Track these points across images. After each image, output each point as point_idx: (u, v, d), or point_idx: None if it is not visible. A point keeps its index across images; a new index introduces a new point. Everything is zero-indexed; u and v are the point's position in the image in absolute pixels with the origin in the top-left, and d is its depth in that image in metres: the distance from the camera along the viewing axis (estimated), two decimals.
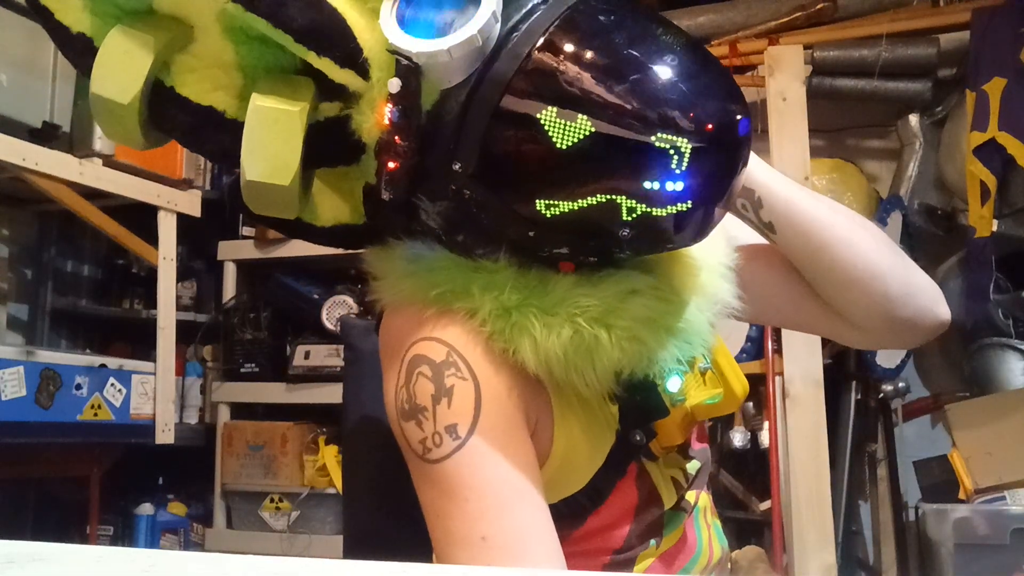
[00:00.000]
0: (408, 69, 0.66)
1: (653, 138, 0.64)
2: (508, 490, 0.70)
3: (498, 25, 0.67)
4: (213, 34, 0.71)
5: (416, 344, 0.73)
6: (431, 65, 0.66)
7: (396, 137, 0.68)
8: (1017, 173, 2.11)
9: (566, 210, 0.67)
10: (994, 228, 2.10)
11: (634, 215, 0.67)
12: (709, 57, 0.70)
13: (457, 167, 0.68)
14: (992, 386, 2.15)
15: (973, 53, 2.19)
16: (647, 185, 0.65)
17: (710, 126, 0.65)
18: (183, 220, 2.58)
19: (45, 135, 2.17)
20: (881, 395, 2.28)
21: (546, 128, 0.65)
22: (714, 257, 0.82)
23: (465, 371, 0.71)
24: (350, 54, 0.67)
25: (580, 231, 0.70)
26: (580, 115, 0.64)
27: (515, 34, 0.67)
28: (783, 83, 2.28)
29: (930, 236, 2.37)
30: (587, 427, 0.79)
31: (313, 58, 0.67)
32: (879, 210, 2.31)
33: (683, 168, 0.64)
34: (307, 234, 0.80)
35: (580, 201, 0.67)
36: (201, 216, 2.64)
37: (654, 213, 0.66)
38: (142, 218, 2.50)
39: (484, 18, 0.65)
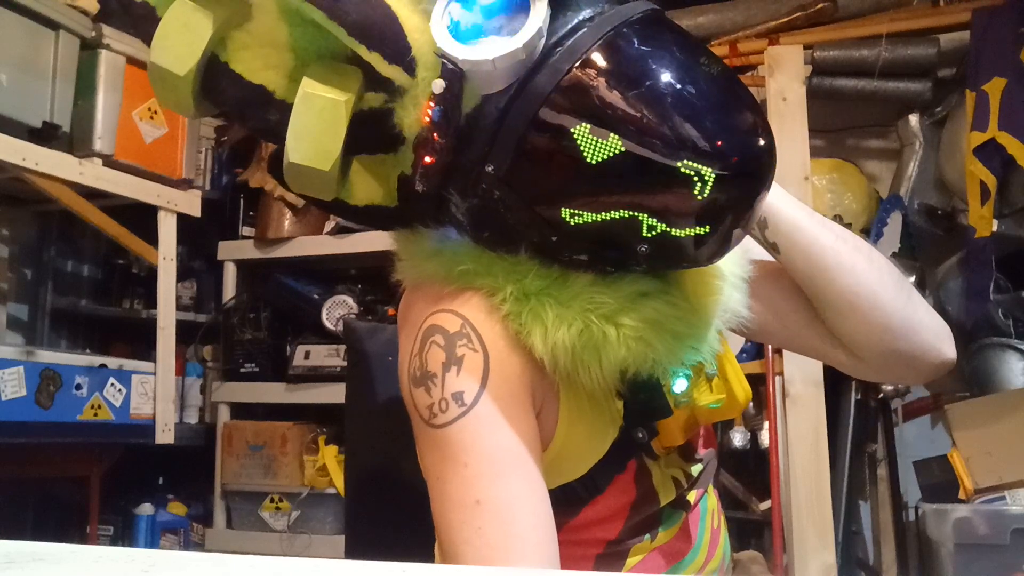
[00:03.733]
0: (453, 73, 0.69)
1: (679, 164, 0.67)
2: (506, 458, 0.72)
3: (543, 40, 0.69)
4: (270, 14, 0.73)
5: (433, 315, 0.76)
6: (475, 72, 0.69)
7: (435, 134, 0.71)
8: (1017, 173, 2.10)
9: (589, 220, 0.70)
10: (994, 228, 2.10)
11: (653, 233, 0.69)
12: (741, 88, 0.72)
13: (490, 169, 0.71)
14: (992, 386, 2.15)
15: (973, 53, 2.19)
16: (669, 207, 0.68)
17: (735, 158, 0.68)
18: (183, 220, 2.58)
19: (45, 135, 2.17)
20: (881, 395, 2.28)
21: (578, 142, 0.68)
22: (728, 267, 0.83)
23: (477, 343, 0.74)
24: (399, 52, 0.70)
25: (600, 242, 0.72)
26: (611, 134, 0.67)
27: (558, 49, 0.69)
28: (783, 83, 2.28)
29: (930, 236, 2.36)
30: (591, 417, 0.80)
31: (363, 52, 0.69)
32: (879, 210, 2.31)
33: (705, 195, 0.67)
34: (340, 211, 0.83)
35: (603, 214, 0.70)
36: (201, 216, 2.64)
37: (673, 233, 0.69)
38: (142, 218, 2.50)
39: (529, 34, 0.68)
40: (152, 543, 2.64)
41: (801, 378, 2.13)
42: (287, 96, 0.73)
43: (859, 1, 2.39)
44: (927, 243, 2.37)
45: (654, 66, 0.69)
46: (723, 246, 0.73)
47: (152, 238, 2.51)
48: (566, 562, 0.79)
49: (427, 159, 0.72)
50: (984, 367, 2.19)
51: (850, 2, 2.39)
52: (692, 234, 0.69)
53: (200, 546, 2.74)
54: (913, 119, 2.39)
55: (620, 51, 0.69)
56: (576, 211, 0.70)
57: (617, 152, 0.67)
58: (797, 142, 2.24)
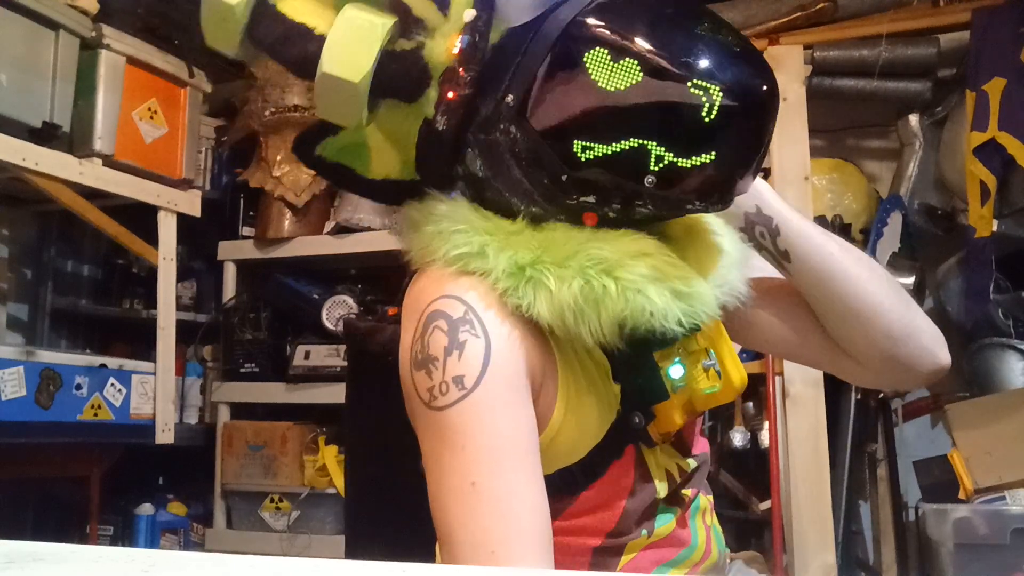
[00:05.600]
0: (486, 3, 0.75)
1: (689, 84, 0.71)
2: (503, 444, 0.73)
3: None
4: None
5: (436, 301, 0.78)
6: (503, 1, 0.75)
7: (461, 68, 0.76)
8: (1017, 173, 2.10)
9: (600, 154, 0.73)
10: (994, 228, 2.10)
11: (661, 164, 0.72)
12: (751, 46, 0.77)
13: (509, 99, 0.75)
14: (992, 386, 2.15)
15: (973, 53, 2.19)
16: (676, 132, 0.72)
17: (742, 87, 0.72)
18: (183, 220, 2.58)
19: (45, 135, 2.17)
20: (881, 395, 2.28)
21: (593, 68, 0.72)
22: (729, 245, 0.86)
23: (479, 329, 0.75)
24: None
25: (609, 177, 0.75)
26: (627, 58, 0.71)
27: None
28: (783, 83, 2.24)
29: (930, 236, 2.37)
30: (590, 400, 0.82)
31: None
32: (879, 210, 2.31)
33: (711, 118, 0.71)
34: (355, 184, 0.88)
35: (614, 144, 0.73)
36: (201, 216, 2.64)
37: (679, 163, 0.72)
38: (142, 218, 2.50)
39: None
40: (152, 543, 2.64)
41: (801, 378, 2.13)
42: (327, 32, 0.77)
43: (859, 1, 2.39)
44: (927, 243, 2.37)
45: (675, 7, 0.75)
46: (727, 188, 0.75)
47: (152, 238, 2.51)
48: (563, 554, 0.80)
49: (451, 94, 0.76)
50: (984, 367, 2.19)
51: (850, 2, 2.39)
52: (698, 163, 0.72)
53: (200, 546, 2.74)
54: (913, 119, 2.39)
55: None
56: (587, 143, 0.73)
57: (631, 75, 0.71)
58: (797, 142, 2.24)
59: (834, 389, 2.21)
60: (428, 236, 0.82)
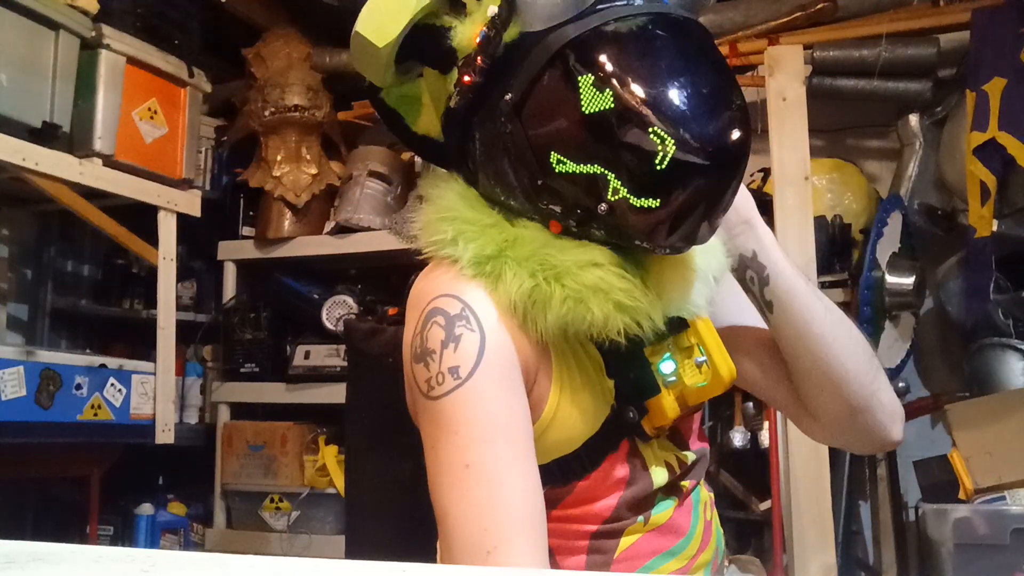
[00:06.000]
0: (508, 2, 0.80)
1: (650, 130, 0.73)
2: (496, 427, 0.77)
3: None
4: None
5: (436, 299, 0.82)
6: (522, 5, 0.80)
7: (478, 57, 0.81)
8: (1017, 173, 2.10)
9: (569, 170, 0.77)
10: (994, 228, 2.10)
11: (616, 196, 0.76)
12: (739, 103, 0.78)
13: (508, 97, 0.80)
14: (992, 386, 2.15)
15: (973, 53, 2.19)
16: (631, 170, 0.75)
17: (700, 143, 0.73)
18: (183, 220, 2.58)
19: (45, 135, 2.17)
20: None
21: (580, 90, 0.75)
22: (703, 262, 0.87)
23: (475, 324, 0.80)
24: None
25: (573, 195, 0.79)
26: (607, 89, 0.75)
27: (599, 7, 0.78)
28: (783, 83, 2.28)
29: (930, 236, 2.37)
30: (584, 392, 0.85)
31: None
32: (879, 210, 2.31)
33: (663, 167, 0.73)
34: (402, 133, 0.95)
35: (582, 165, 0.77)
36: (201, 216, 2.64)
37: (631, 200, 0.75)
38: (142, 218, 2.50)
39: None
40: (152, 543, 2.64)
41: None
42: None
43: (859, 1, 2.39)
44: (927, 243, 2.37)
45: (667, 53, 0.77)
46: (680, 236, 0.78)
47: (152, 238, 2.51)
48: (561, 537, 0.84)
49: (466, 78, 0.82)
50: (984, 367, 2.19)
51: (850, 2, 2.39)
52: (646, 205, 0.75)
53: (200, 546, 2.74)
54: (913, 119, 2.39)
55: (645, 29, 0.77)
56: (562, 157, 0.77)
57: (607, 108, 0.74)
58: (797, 142, 2.24)
59: None
60: (426, 217, 0.88)
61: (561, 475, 0.85)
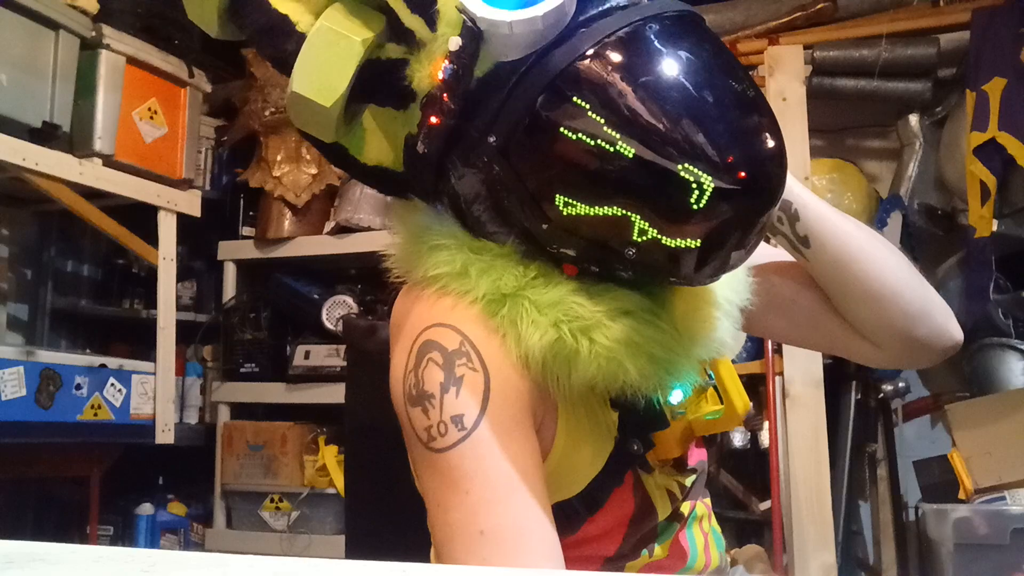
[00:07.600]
0: (471, 32, 0.68)
1: (679, 167, 0.64)
2: (509, 484, 0.69)
3: (568, 16, 0.67)
4: None
5: (429, 329, 0.73)
6: (492, 34, 0.67)
7: (444, 95, 0.69)
8: (1017, 173, 2.10)
9: (582, 213, 0.68)
10: (994, 228, 2.09)
11: (644, 237, 0.67)
12: (763, 106, 0.69)
13: (492, 140, 0.70)
14: (992, 386, 2.15)
15: (973, 53, 2.19)
16: (662, 213, 0.66)
17: (741, 174, 0.64)
18: (183, 220, 2.58)
19: (45, 135, 2.17)
20: (881, 395, 2.28)
21: (583, 129, 0.66)
22: (724, 293, 0.80)
23: (477, 362, 0.71)
24: (424, 1, 0.69)
25: (590, 238, 0.70)
26: (619, 126, 0.65)
27: (583, 29, 0.68)
28: (783, 83, 2.28)
29: (930, 236, 2.36)
30: (589, 430, 0.78)
31: None
32: (879, 210, 2.31)
33: (701, 205, 0.64)
34: (349, 167, 0.81)
35: (597, 208, 0.67)
36: (201, 216, 2.64)
37: (664, 241, 0.66)
38: (142, 218, 2.50)
39: (552, 5, 0.66)
40: (152, 543, 2.64)
41: (801, 378, 2.13)
42: (308, 30, 0.73)
43: (859, 1, 2.39)
44: (927, 243, 2.37)
45: (675, 65, 0.67)
46: (719, 266, 0.70)
47: (152, 238, 2.51)
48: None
49: (433, 119, 0.70)
50: (984, 367, 2.19)
51: (850, 2, 2.39)
52: (683, 246, 0.66)
53: (200, 546, 2.74)
54: (913, 119, 2.39)
55: (643, 43, 0.67)
56: (570, 200, 0.68)
57: (621, 148, 0.65)
58: (797, 142, 2.24)
59: (834, 389, 2.21)
60: (408, 247, 0.79)
61: (567, 518, 0.78)
